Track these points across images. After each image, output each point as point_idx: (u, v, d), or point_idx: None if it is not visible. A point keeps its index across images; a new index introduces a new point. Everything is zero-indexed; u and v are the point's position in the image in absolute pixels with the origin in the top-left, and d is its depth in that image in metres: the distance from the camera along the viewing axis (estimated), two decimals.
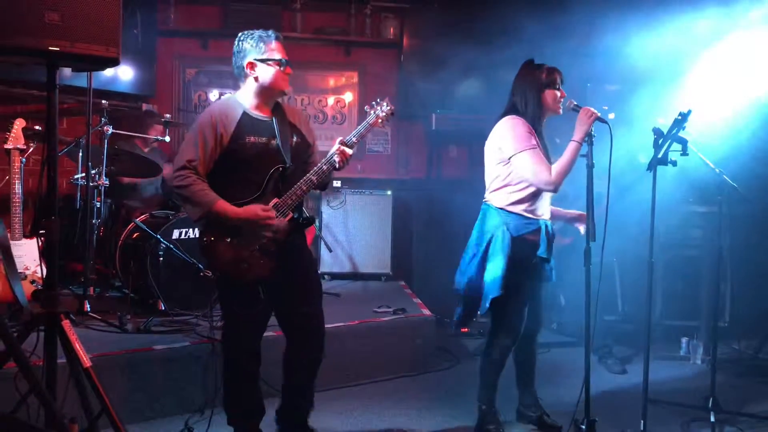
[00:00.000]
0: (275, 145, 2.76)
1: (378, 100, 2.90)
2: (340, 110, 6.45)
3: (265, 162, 2.74)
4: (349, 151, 2.77)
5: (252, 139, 2.72)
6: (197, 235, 4.05)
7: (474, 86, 6.03)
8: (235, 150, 2.70)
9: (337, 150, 2.75)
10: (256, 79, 2.75)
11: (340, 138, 2.80)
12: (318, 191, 3.23)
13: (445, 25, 6.21)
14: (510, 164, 3.06)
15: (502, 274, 3.02)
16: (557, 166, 3.02)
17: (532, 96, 3.10)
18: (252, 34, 2.76)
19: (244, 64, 2.73)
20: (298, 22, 6.18)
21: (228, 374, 2.91)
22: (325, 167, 2.75)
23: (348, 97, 6.45)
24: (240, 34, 2.79)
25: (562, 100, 3.10)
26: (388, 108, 2.88)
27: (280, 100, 2.89)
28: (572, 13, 5.46)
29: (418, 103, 6.23)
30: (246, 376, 2.88)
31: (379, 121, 2.87)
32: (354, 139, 2.80)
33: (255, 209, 2.68)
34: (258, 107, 2.80)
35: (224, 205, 2.65)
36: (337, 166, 2.75)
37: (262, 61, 2.72)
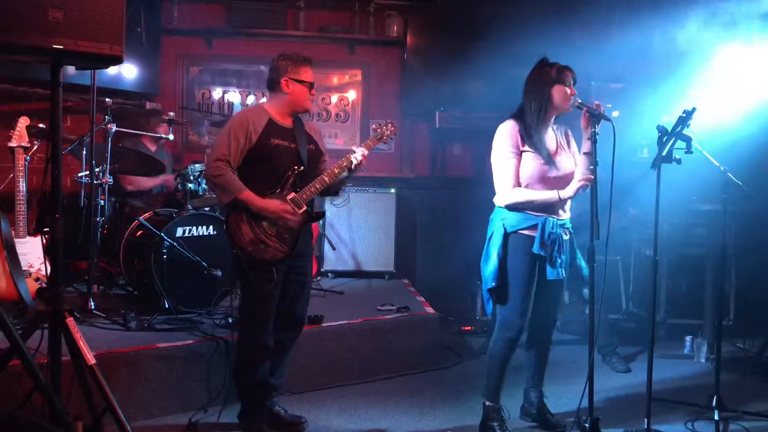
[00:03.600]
0: (295, 148, 3.17)
1: (385, 121, 3.45)
2: (343, 108, 6.45)
3: (286, 162, 3.14)
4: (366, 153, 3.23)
5: (276, 141, 3.12)
6: (201, 233, 4.14)
7: (478, 84, 6.02)
8: (261, 148, 3.09)
9: (356, 154, 3.19)
10: (288, 94, 3.16)
11: (354, 147, 3.26)
12: (329, 195, 3.64)
13: (449, 23, 6.21)
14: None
15: (494, 267, 3.10)
16: (525, 193, 3.08)
17: (540, 92, 3.11)
18: (291, 56, 3.19)
19: (281, 80, 3.15)
20: (301, 20, 6.18)
21: (244, 346, 3.17)
22: (336, 170, 3.17)
23: (352, 95, 6.45)
24: (280, 53, 3.22)
25: (572, 97, 3.10)
26: (393, 128, 3.40)
27: (300, 115, 3.29)
28: (576, 10, 5.46)
29: (421, 101, 6.23)
30: (260, 347, 3.12)
31: (384, 139, 3.38)
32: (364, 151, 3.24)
33: (276, 203, 3.08)
34: (282, 116, 3.20)
35: (250, 195, 3.05)
36: (354, 165, 3.18)
37: (296, 81, 3.15)
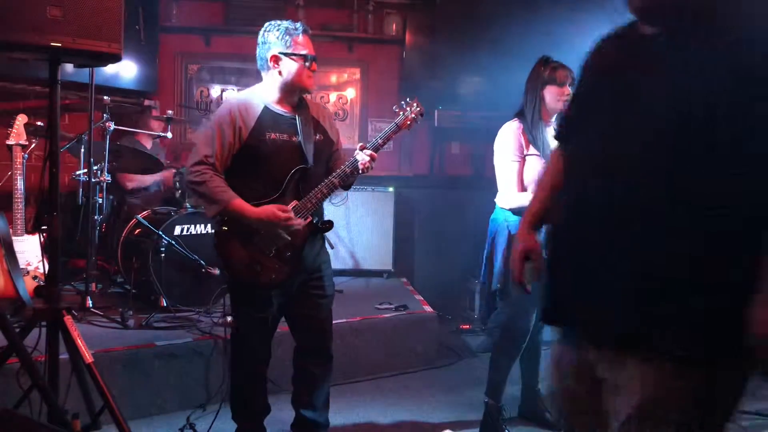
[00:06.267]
0: (297, 142, 2.64)
1: (408, 99, 2.80)
2: (342, 107, 6.44)
3: (286, 161, 2.62)
4: (375, 155, 2.72)
5: (273, 135, 2.61)
6: (199, 231, 4.13)
7: (477, 83, 6.01)
8: (254, 146, 2.59)
9: (362, 154, 2.69)
10: (279, 73, 2.63)
11: (361, 143, 2.74)
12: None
13: (448, 21, 6.19)
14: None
15: (499, 270, 3.09)
16: (530, 198, 3.04)
17: (533, 94, 3.11)
18: (279, 25, 2.63)
19: (268, 56, 2.62)
20: (300, 17, 6.17)
21: (235, 373, 2.87)
22: (348, 170, 2.68)
23: (350, 93, 6.44)
24: (267, 24, 2.66)
25: (566, 98, 3.08)
26: (418, 109, 2.78)
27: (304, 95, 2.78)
28: (575, 9, 5.44)
29: (420, 100, 6.16)
30: (252, 377, 2.83)
31: (408, 122, 2.79)
32: (380, 141, 2.73)
33: (273, 209, 2.56)
34: (280, 102, 2.69)
35: (241, 204, 2.55)
36: (360, 170, 2.69)
37: (287, 55, 2.60)
